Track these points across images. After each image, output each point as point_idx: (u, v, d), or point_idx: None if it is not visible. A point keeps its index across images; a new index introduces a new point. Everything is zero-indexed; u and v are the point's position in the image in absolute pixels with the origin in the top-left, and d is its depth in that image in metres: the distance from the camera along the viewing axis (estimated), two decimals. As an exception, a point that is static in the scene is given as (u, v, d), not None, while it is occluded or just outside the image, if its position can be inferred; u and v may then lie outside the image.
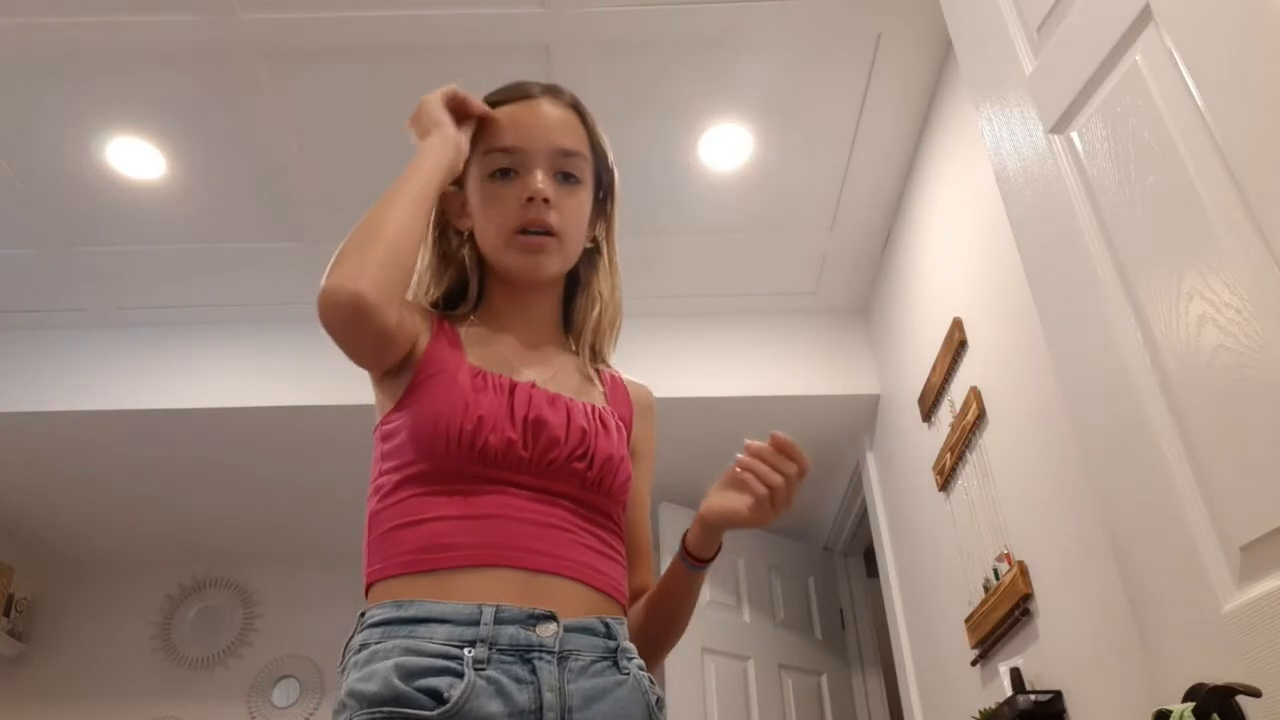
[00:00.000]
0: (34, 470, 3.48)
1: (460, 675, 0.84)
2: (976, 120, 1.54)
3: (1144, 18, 1.07)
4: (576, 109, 1.12)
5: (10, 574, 3.89)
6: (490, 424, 0.94)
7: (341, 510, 3.34)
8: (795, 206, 2.86)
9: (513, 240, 1.04)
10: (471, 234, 1.11)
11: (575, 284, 1.16)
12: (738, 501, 0.98)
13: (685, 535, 1.05)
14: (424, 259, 1.11)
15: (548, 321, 1.13)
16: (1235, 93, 0.96)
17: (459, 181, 1.10)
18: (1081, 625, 1.78)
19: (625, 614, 1.01)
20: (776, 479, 0.96)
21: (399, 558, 0.93)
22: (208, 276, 3.05)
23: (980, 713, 2.09)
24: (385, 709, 0.82)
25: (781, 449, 0.97)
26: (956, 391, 2.40)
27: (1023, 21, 1.32)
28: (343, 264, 0.90)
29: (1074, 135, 1.21)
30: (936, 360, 2.51)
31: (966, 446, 2.32)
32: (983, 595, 2.20)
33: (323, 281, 0.89)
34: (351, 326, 0.89)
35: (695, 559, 1.03)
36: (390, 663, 0.84)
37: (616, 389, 1.13)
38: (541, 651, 0.87)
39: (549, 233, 1.04)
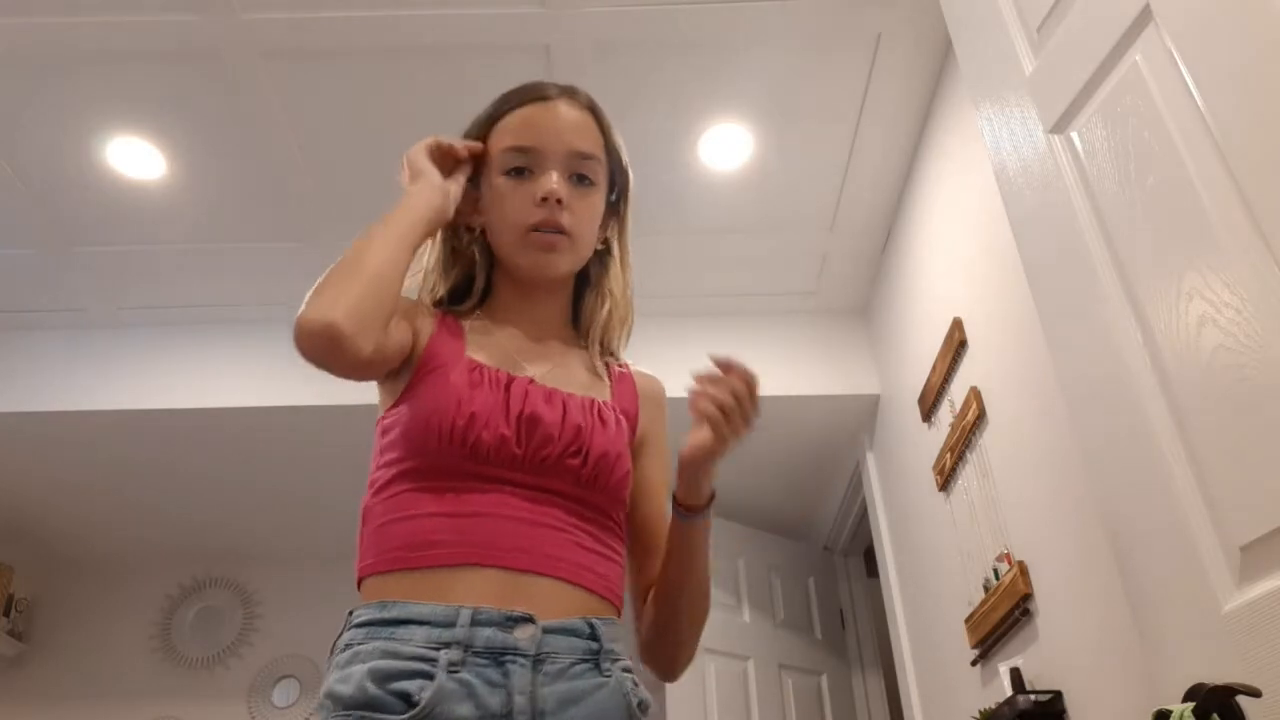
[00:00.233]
0: (34, 470, 3.48)
1: (432, 678, 0.84)
2: (976, 120, 1.54)
3: (1144, 18, 1.07)
4: (593, 111, 1.13)
5: (10, 574, 3.89)
6: (483, 420, 0.94)
7: (342, 510, 3.32)
8: (795, 206, 2.86)
9: (525, 238, 1.05)
10: (482, 231, 1.11)
11: (585, 284, 1.16)
12: (703, 433, 0.96)
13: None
14: (432, 255, 1.12)
15: (555, 318, 1.13)
16: (1235, 93, 0.96)
17: (473, 179, 1.11)
18: (1081, 625, 1.78)
19: (619, 615, 1.00)
20: (727, 398, 0.96)
21: (386, 554, 0.94)
22: (208, 276, 3.05)
23: (980, 713, 2.09)
24: (357, 712, 0.83)
25: (725, 368, 0.97)
26: (956, 391, 2.40)
27: (1023, 21, 1.32)
28: (320, 295, 0.90)
29: (1074, 135, 1.21)
30: (936, 360, 2.51)
31: (966, 446, 2.31)
32: (983, 595, 2.20)
33: (299, 311, 0.89)
34: (325, 355, 0.89)
35: (686, 508, 1.00)
36: (366, 666, 0.85)
37: (624, 383, 1.12)
38: (516, 654, 0.87)
39: (561, 232, 1.05)
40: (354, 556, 1.00)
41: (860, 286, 3.21)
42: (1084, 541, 1.73)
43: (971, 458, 2.30)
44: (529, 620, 0.89)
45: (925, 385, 2.60)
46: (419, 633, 0.87)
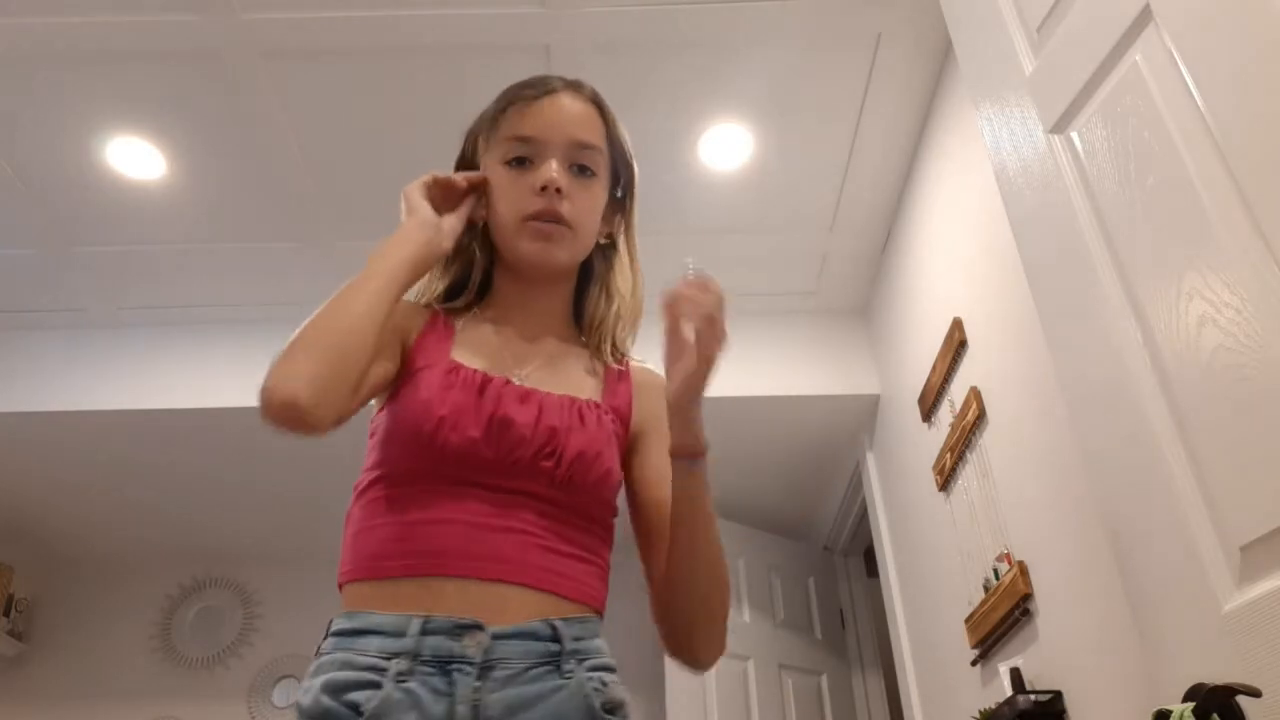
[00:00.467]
0: (34, 470, 3.48)
1: (380, 688, 0.85)
2: (976, 120, 1.54)
3: (1144, 18, 1.07)
4: (597, 103, 1.12)
5: (10, 574, 3.89)
6: (451, 423, 0.94)
7: (342, 511, 3.31)
8: (795, 206, 2.86)
9: (524, 227, 1.04)
10: (484, 226, 1.10)
11: (590, 280, 1.15)
12: (684, 364, 0.92)
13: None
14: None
15: (555, 314, 1.12)
16: (1235, 93, 0.96)
17: (473, 169, 1.11)
18: (1081, 625, 1.78)
19: (599, 611, 0.99)
20: (698, 311, 0.92)
21: (358, 563, 0.95)
22: (208, 276, 3.05)
23: (980, 713, 2.09)
24: None
25: (691, 284, 0.94)
26: (956, 391, 2.40)
27: (1023, 21, 1.32)
28: (285, 364, 0.89)
29: (1074, 135, 1.21)
30: (936, 360, 2.51)
31: (966, 446, 2.31)
32: (983, 595, 2.20)
33: (265, 378, 0.88)
34: (289, 427, 0.88)
35: (687, 454, 0.96)
36: (323, 677, 0.87)
37: (619, 380, 1.10)
38: (462, 662, 0.87)
39: (560, 222, 1.04)
40: None
41: (860, 286, 3.21)
42: (1084, 541, 1.73)
43: (971, 458, 2.30)
44: (477, 627, 0.88)
45: (925, 385, 2.60)
46: (374, 643, 0.88)
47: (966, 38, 1.53)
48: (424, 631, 0.88)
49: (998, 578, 2.11)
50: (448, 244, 1.04)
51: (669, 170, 2.65)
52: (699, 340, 0.92)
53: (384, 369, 0.99)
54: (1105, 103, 1.15)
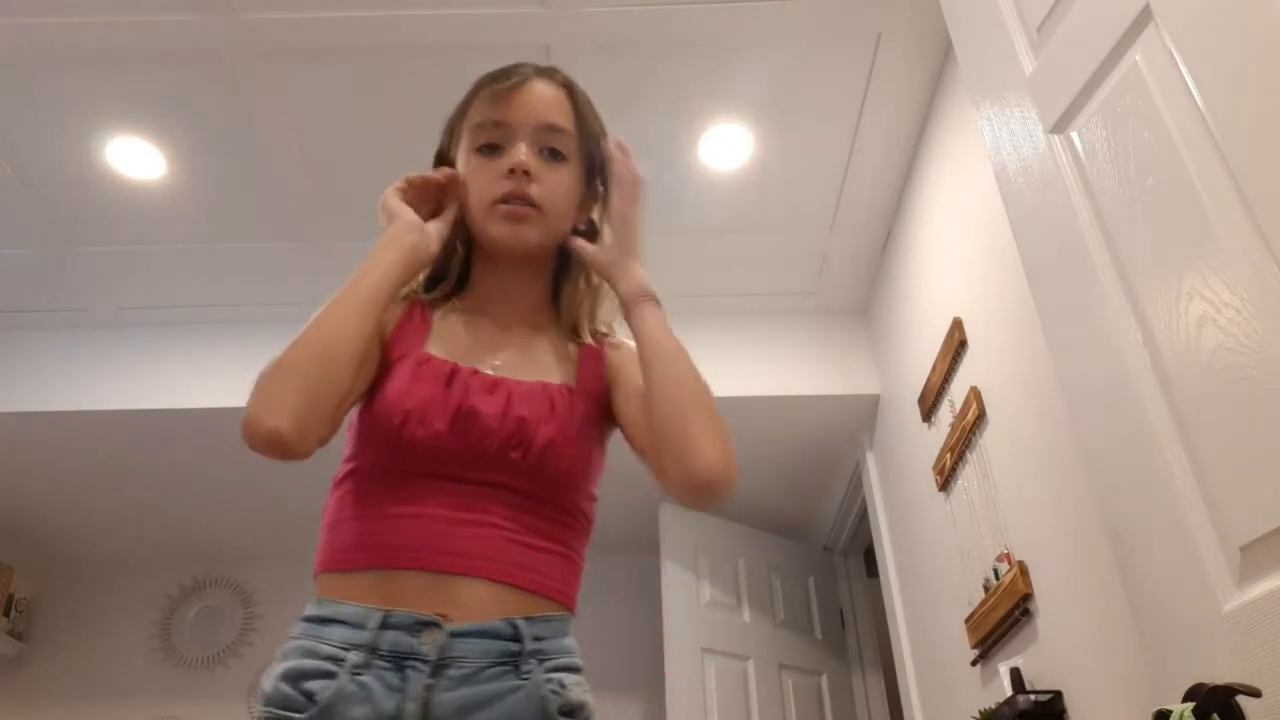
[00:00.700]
0: (34, 470, 3.48)
1: (335, 678, 0.86)
2: (976, 120, 1.54)
3: (1144, 18, 1.07)
4: (568, 88, 1.12)
5: (10, 574, 3.89)
6: (417, 417, 0.94)
7: (341, 510, 3.32)
8: (795, 206, 2.86)
9: (493, 210, 1.05)
10: (462, 213, 1.11)
11: (570, 267, 1.15)
12: (615, 199, 1.07)
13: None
14: None
15: (532, 300, 1.12)
16: (1235, 93, 0.96)
17: (451, 161, 1.11)
18: (1081, 625, 1.78)
19: (568, 609, 0.98)
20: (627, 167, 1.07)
21: (328, 554, 0.96)
22: (208, 276, 3.04)
23: (980, 713, 2.09)
24: (270, 709, 0.86)
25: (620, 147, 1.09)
26: (956, 391, 2.40)
27: (1023, 21, 1.32)
28: (267, 393, 0.89)
29: (1074, 135, 1.21)
30: (936, 360, 2.51)
31: (966, 446, 2.31)
32: (983, 595, 2.20)
33: (246, 405, 0.89)
34: (272, 456, 0.89)
35: (630, 303, 1.03)
36: (285, 664, 0.88)
37: (595, 357, 1.10)
38: (416, 659, 0.87)
39: (530, 204, 1.05)
40: None
41: (860, 286, 3.21)
42: (1084, 541, 1.73)
43: (971, 458, 2.30)
44: (436, 625, 0.88)
45: (925, 385, 2.60)
46: (337, 632, 0.89)
47: (966, 38, 1.53)
48: (384, 625, 0.88)
49: (998, 578, 2.11)
50: (435, 247, 1.05)
51: (669, 170, 2.65)
52: (624, 189, 1.07)
53: (368, 373, 1.00)
54: (1105, 103, 1.15)
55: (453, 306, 1.10)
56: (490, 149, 1.07)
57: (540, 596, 0.95)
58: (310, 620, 0.92)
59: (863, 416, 3.26)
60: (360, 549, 0.93)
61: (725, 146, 2.62)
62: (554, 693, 0.90)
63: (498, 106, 1.07)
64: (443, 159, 1.14)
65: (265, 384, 0.90)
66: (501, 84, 1.08)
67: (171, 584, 4.23)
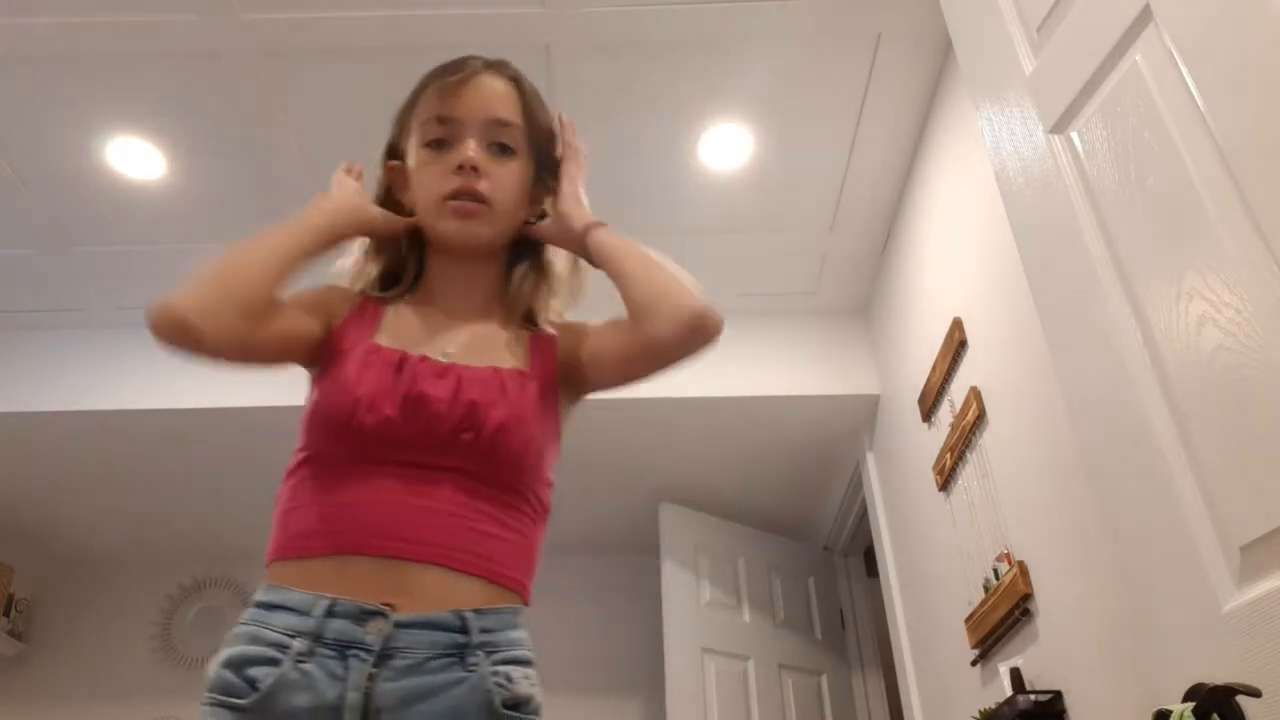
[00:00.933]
0: (34, 470, 3.48)
1: (278, 665, 0.86)
2: (976, 120, 1.54)
3: (1144, 18, 1.07)
4: (516, 82, 1.13)
5: (10, 574, 3.89)
6: (366, 403, 0.95)
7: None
8: (795, 207, 2.86)
9: (443, 207, 1.06)
10: (413, 211, 1.12)
11: (525, 257, 1.16)
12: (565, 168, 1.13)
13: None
14: (364, 241, 1.14)
15: (484, 291, 1.13)
16: (1235, 93, 0.96)
17: (401, 155, 1.12)
18: (1081, 625, 1.78)
19: (521, 596, 0.97)
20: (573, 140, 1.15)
21: (280, 543, 0.96)
22: (208, 276, 3.04)
23: (980, 713, 2.09)
24: (214, 694, 0.87)
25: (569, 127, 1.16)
26: (956, 391, 2.40)
27: (1023, 21, 1.32)
28: (181, 286, 0.93)
29: (1074, 135, 1.21)
30: (936, 360, 2.51)
31: (966, 446, 2.31)
32: (983, 595, 2.20)
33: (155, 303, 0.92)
34: (173, 338, 0.92)
35: (583, 241, 1.09)
36: (230, 650, 0.89)
37: (547, 343, 1.11)
38: (360, 649, 0.87)
39: (479, 200, 1.05)
40: None
41: (860, 286, 3.21)
42: (1084, 541, 1.73)
43: (971, 458, 2.30)
44: (381, 615, 0.88)
45: (925, 385, 2.60)
46: (283, 619, 0.89)
47: (966, 37, 1.53)
48: (329, 614, 0.88)
49: (998, 578, 2.11)
50: (374, 211, 1.10)
51: (669, 170, 2.65)
52: (569, 156, 1.14)
53: (304, 323, 1.02)
54: (1105, 103, 1.15)
55: (404, 300, 1.11)
56: (439, 144, 1.07)
57: (494, 584, 0.94)
58: (259, 606, 0.92)
59: (863, 416, 3.26)
60: (311, 536, 0.93)
61: (725, 146, 2.62)
62: (499, 685, 0.89)
63: (446, 102, 1.08)
64: (393, 152, 1.15)
65: (184, 279, 0.93)
66: (449, 79, 1.08)
67: (171, 584, 4.23)
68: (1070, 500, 1.79)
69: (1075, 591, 1.79)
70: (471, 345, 1.05)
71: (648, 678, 3.73)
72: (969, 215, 2.30)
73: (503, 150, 1.08)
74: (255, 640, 0.88)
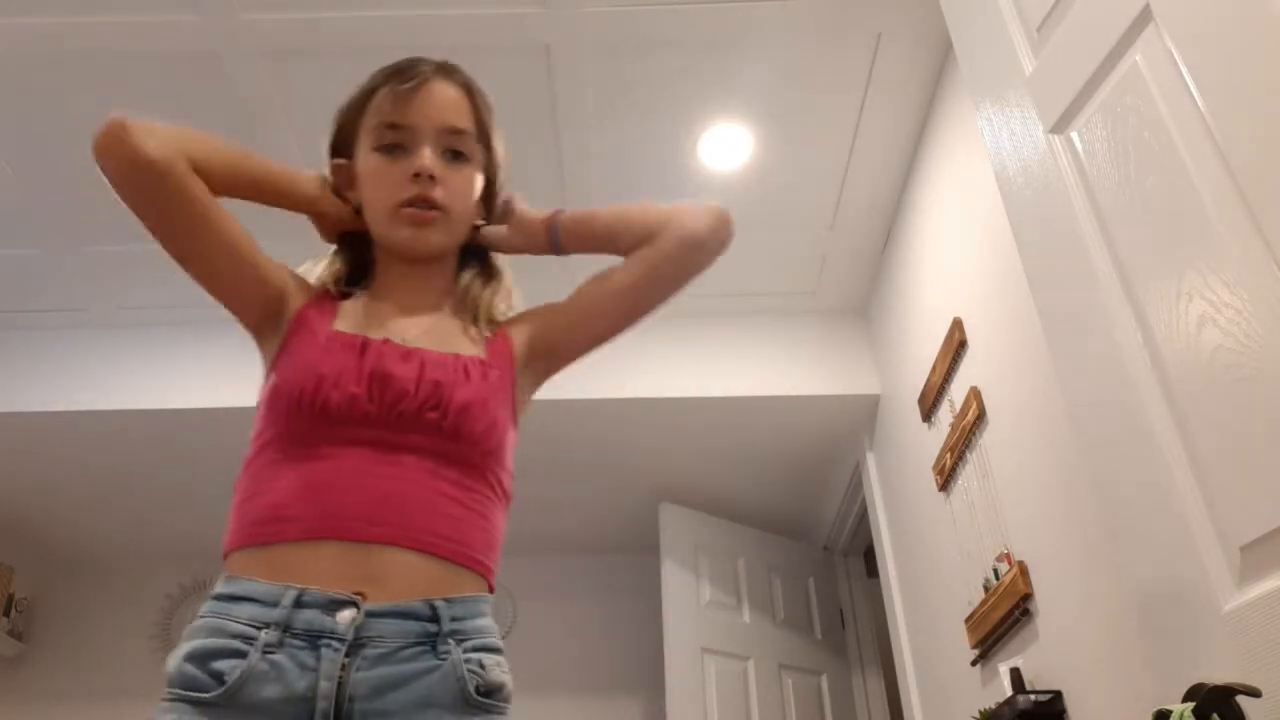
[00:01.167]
0: (34, 470, 3.48)
1: (245, 657, 0.85)
2: (976, 120, 1.54)
3: (1144, 18, 1.07)
4: (468, 89, 1.13)
5: (10, 574, 3.89)
6: (331, 381, 0.95)
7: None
8: (795, 207, 2.86)
9: (399, 214, 1.07)
10: (359, 210, 1.13)
11: (472, 256, 1.19)
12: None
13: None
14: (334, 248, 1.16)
15: (437, 290, 1.14)
16: (1235, 93, 0.96)
17: (348, 154, 1.13)
18: (1081, 625, 1.78)
19: (486, 579, 0.98)
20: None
21: (242, 530, 0.95)
22: (208, 276, 3.04)
23: (980, 713, 2.09)
24: (175, 690, 0.86)
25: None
26: (956, 391, 2.40)
27: (1023, 21, 1.32)
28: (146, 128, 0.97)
29: (1074, 135, 1.21)
30: (936, 360, 2.51)
31: (966, 446, 2.31)
32: (983, 595, 2.20)
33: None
34: (104, 148, 0.98)
35: (549, 244, 1.15)
36: (190, 644, 0.88)
37: (499, 338, 1.12)
38: (331, 638, 0.86)
39: (435, 208, 1.06)
40: None
41: (860, 286, 3.21)
42: (1084, 541, 1.73)
43: (971, 458, 2.30)
44: (353, 604, 0.87)
45: (925, 385, 2.60)
46: (248, 610, 0.88)
47: (966, 37, 1.53)
48: (298, 604, 0.87)
49: (998, 578, 2.11)
50: (346, 210, 1.13)
51: (669, 170, 2.65)
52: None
53: (265, 262, 1.06)
54: (1105, 103, 1.15)
55: (358, 297, 1.12)
56: (392, 149, 1.08)
57: (461, 567, 0.94)
58: (219, 599, 0.91)
59: (863, 416, 3.26)
60: (275, 521, 0.92)
61: (725, 146, 2.62)
62: (472, 673, 0.89)
63: (399, 108, 1.08)
64: (338, 149, 1.16)
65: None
66: (402, 86, 1.09)
67: (171, 584, 4.23)
68: (1070, 500, 1.79)
69: (1075, 591, 1.79)
70: (429, 335, 1.06)
71: (648, 678, 3.73)
72: (969, 215, 2.30)
73: (456, 157, 1.09)
74: (218, 633, 0.87)
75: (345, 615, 0.87)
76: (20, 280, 3.02)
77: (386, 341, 1.01)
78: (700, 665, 3.36)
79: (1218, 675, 0.93)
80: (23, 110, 2.44)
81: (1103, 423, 1.16)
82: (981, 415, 2.22)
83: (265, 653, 0.85)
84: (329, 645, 0.86)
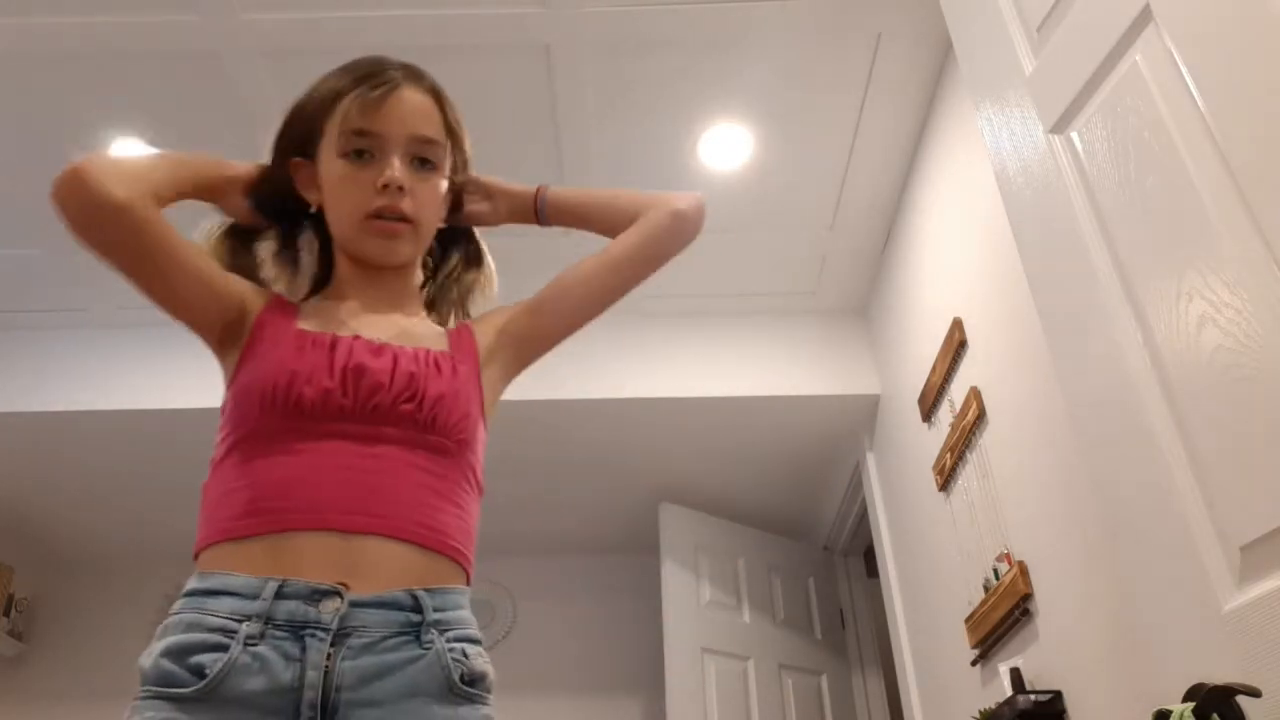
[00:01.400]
0: (34, 470, 3.48)
1: (227, 650, 0.84)
2: (976, 120, 1.54)
3: (1144, 18, 1.07)
4: (436, 95, 1.12)
5: (10, 574, 3.89)
6: (304, 377, 0.95)
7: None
8: (795, 207, 2.86)
9: (367, 224, 1.06)
10: (319, 209, 1.11)
11: (443, 259, 1.21)
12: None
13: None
14: (271, 245, 1.15)
15: (400, 293, 1.14)
16: (1235, 93, 0.96)
17: (310, 154, 1.11)
18: (1081, 625, 1.78)
19: (464, 569, 0.98)
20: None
21: (217, 527, 0.94)
22: (208, 276, 3.04)
23: (980, 713, 2.09)
24: (151, 687, 0.84)
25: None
26: (956, 391, 2.40)
27: (1023, 21, 1.32)
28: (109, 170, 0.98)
29: (1074, 135, 1.21)
30: (936, 360, 2.51)
31: (966, 446, 2.32)
32: (983, 595, 2.20)
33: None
34: (70, 192, 0.97)
35: (534, 216, 1.19)
36: (166, 640, 0.87)
37: (463, 333, 1.13)
38: (316, 628, 0.86)
39: (403, 219, 1.06)
40: None
41: (860, 286, 3.21)
42: (1084, 541, 1.73)
43: (971, 458, 2.30)
44: (336, 594, 0.87)
45: (925, 385, 2.60)
46: (226, 604, 0.87)
47: (966, 37, 1.53)
48: (279, 595, 0.87)
49: (998, 578, 2.11)
50: (226, 189, 1.18)
51: (669, 170, 2.65)
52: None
53: (218, 271, 1.07)
54: (1105, 103, 1.15)
55: (317, 299, 1.12)
56: (359, 155, 1.06)
57: (441, 556, 0.95)
58: (193, 594, 0.90)
59: (863, 416, 3.26)
60: (252, 515, 0.92)
61: (725, 146, 2.62)
62: (456, 661, 0.90)
63: (367, 116, 1.06)
64: (288, 145, 1.14)
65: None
66: (372, 93, 1.07)
67: (171, 583, 4.19)
68: (1070, 500, 1.79)
69: (1075, 591, 1.79)
70: (395, 332, 1.06)
71: (648, 678, 3.73)
72: (969, 215, 2.30)
73: (424, 165, 1.08)
74: (195, 627, 0.86)
75: (329, 605, 0.87)
76: (20, 280, 3.02)
77: (357, 338, 1.01)
78: (700, 665, 3.36)
79: (1218, 675, 0.93)
80: (23, 110, 2.44)
81: (1103, 423, 1.16)
82: (981, 415, 2.22)
83: (247, 645, 0.84)
84: (314, 635, 0.85)
